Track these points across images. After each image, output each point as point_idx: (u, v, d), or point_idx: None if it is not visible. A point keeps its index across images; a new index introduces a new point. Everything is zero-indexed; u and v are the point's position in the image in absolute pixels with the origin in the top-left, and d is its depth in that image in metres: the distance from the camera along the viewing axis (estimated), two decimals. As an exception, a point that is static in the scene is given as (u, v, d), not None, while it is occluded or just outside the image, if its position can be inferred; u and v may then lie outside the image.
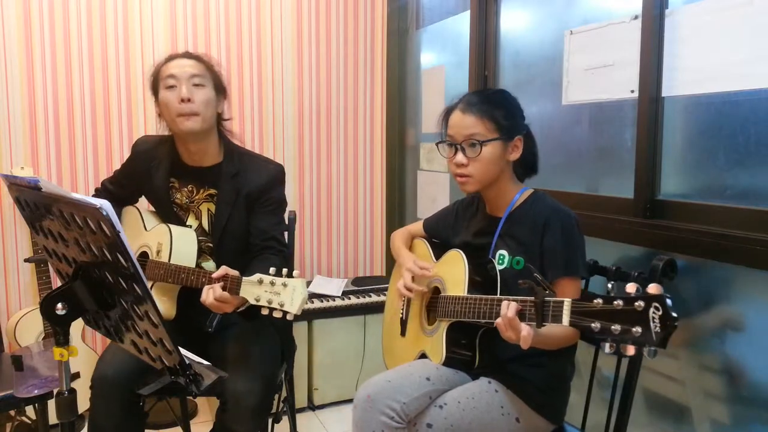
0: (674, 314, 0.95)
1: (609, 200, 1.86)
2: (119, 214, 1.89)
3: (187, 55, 1.70)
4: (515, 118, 1.52)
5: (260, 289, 1.41)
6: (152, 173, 1.77)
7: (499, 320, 1.24)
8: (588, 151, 1.98)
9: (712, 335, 1.55)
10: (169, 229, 1.69)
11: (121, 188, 1.90)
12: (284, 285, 1.39)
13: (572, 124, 2.02)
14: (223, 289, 1.46)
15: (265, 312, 1.42)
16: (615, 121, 1.85)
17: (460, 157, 1.48)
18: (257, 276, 1.42)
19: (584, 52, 1.92)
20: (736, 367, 1.51)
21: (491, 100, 1.50)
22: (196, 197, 1.76)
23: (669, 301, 0.96)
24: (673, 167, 1.69)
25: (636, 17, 1.72)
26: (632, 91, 1.74)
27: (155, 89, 1.70)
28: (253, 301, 1.42)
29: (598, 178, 1.96)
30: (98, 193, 1.94)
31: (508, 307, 1.22)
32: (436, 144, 1.58)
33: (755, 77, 1.43)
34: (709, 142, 1.58)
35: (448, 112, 1.55)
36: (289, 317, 1.40)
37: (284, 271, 1.41)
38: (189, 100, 1.62)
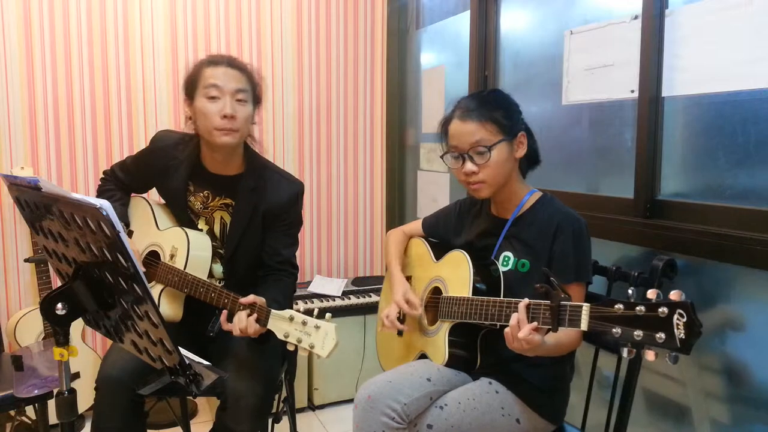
0: (699, 321, 0.96)
1: (609, 200, 1.86)
2: (128, 203, 1.87)
3: (232, 64, 1.63)
4: (514, 114, 1.51)
5: (291, 327, 1.42)
6: (170, 172, 1.73)
7: (507, 331, 1.23)
8: (588, 151, 1.98)
9: (713, 335, 1.55)
10: (187, 236, 1.66)
11: (132, 178, 1.85)
12: (317, 327, 1.39)
13: (572, 124, 2.02)
14: (250, 315, 1.47)
15: (291, 348, 1.43)
16: (615, 121, 1.85)
17: (469, 166, 1.46)
18: (288, 312, 1.42)
19: (584, 52, 1.92)
20: (736, 367, 1.51)
21: (488, 102, 1.48)
22: (211, 204, 1.74)
23: (694, 308, 0.97)
24: (673, 167, 1.69)
25: (636, 17, 1.72)
26: (632, 91, 1.74)
27: (190, 92, 1.64)
28: (281, 337, 1.42)
29: (598, 178, 1.96)
30: (107, 177, 1.89)
31: (523, 331, 1.20)
32: (441, 156, 1.54)
33: (755, 77, 1.43)
34: (709, 142, 1.58)
35: (446, 122, 1.52)
36: (315, 358, 1.41)
37: (315, 311, 1.44)
38: (233, 117, 1.58)
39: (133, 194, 1.90)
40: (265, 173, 1.74)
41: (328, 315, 1.41)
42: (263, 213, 1.70)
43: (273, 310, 1.44)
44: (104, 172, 1.93)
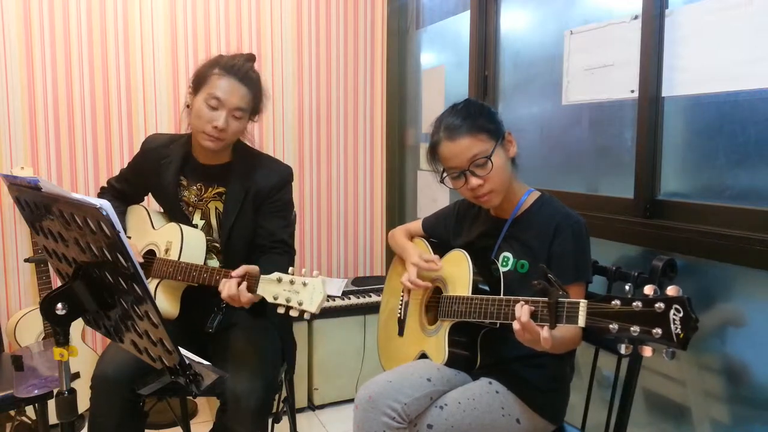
0: (695, 316, 0.95)
1: (609, 200, 1.86)
2: (125, 212, 1.90)
3: (244, 78, 1.65)
4: (496, 117, 1.51)
5: (279, 288, 1.42)
6: (162, 170, 1.77)
7: (516, 326, 1.22)
8: (588, 151, 1.98)
9: (712, 335, 1.55)
10: (180, 229, 1.69)
11: (128, 185, 1.90)
12: (304, 284, 1.39)
13: (572, 124, 2.02)
14: (245, 287, 1.47)
15: (281, 311, 1.43)
16: (615, 121, 1.85)
17: (474, 181, 1.44)
18: (276, 274, 1.43)
19: (584, 52, 1.92)
20: (736, 367, 1.51)
21: (469, 113, 1.47)
22: (205, 195, 1.77)
23: (690, 303, 0.96)
24: (673, 167, 1.69)
25: (636, 17, 1.72)
26: (632, 91, 1.74)
27: (196, 87, 1.67)
28: (270, 300, 1.42)
29: (598, 178, 1.96)
30: (104, 191, 1.94)
31: (522, 311, 1.20)
32: (440, 181, 1.52)
33: (755, 77, 1.43)
34: (709, 142, 1.58)
35: (434, 147, 1.50)
36: (306, 316, 1.40)
37: (303, 270, 1.43)
38: (223, 131, 1.63)
39: (130, 205, 1.93)
40: (254, 158, 1.80)
41: (315, 272, 1.41)
42: (254, 195, 1.74)
43: (262, 276, 1.44)
44: (101, 188, 1.96)
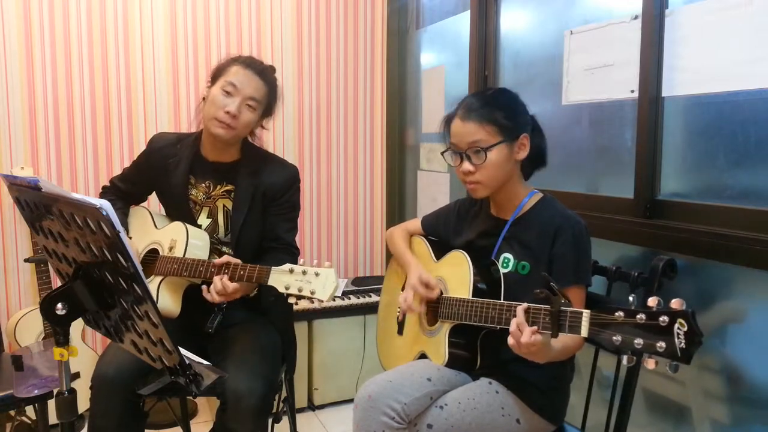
0: (700, 331, 0.95)
1: (609, 200, 1.86)
2: (128, 213, 1.90)
3: (261, 74, 1.71)
4: (517, 116, 1.48)
5: (291, 278, 1.44)
6: (169, 169, 1.78)
7: (511, 341, 1.22)
8: (588, 151, 1.98)
9: (712, 335, 1.55)
10: (185, 227, 1.70)
11: (132, 185, 1.89)
12: (316, 274, 1.42)
13: (572, 124, 2.02)
14: (231, 279, 1.52)
15: (292, 300, 1.46)
16: (615, 121, 1.85)
17: (466, 166, 1.46)
18: (288, 265, 1.45)
19: (584, 52, 1.92)
20: (736, 367, 1.51)
21: (490, 103, 1.47)
22: (213, 193, 1.78)
23: (695, 317, 0.96)
24: (673, 167, 1.69)
25: (636, 17, 1.72)
26: (632, 91, 1.74)
27: (214, 78, 1.72)
28: (282, 289, 1.45)
29: (598, 178, 1.96)
30: (106, 191, 1.93)
31: (517, 311, 1.21)
32: (442, 153, 1.54)
33: (755, 77, 1.43)
34: (709, 142, 1.58)
35: (448, 120, 1.52)
36: (317, 305, 1.43)
37: (315, 262, 1.45)
38: (235, 117, 1.66)
39: (132, 205, 1.93)
40: (263, 157, 1.82)
41: (327, 263, 1.43)
42: (263, 194, 1.76)
43: (273, 267, 1.47)
44: (104, 187, 1.95)
